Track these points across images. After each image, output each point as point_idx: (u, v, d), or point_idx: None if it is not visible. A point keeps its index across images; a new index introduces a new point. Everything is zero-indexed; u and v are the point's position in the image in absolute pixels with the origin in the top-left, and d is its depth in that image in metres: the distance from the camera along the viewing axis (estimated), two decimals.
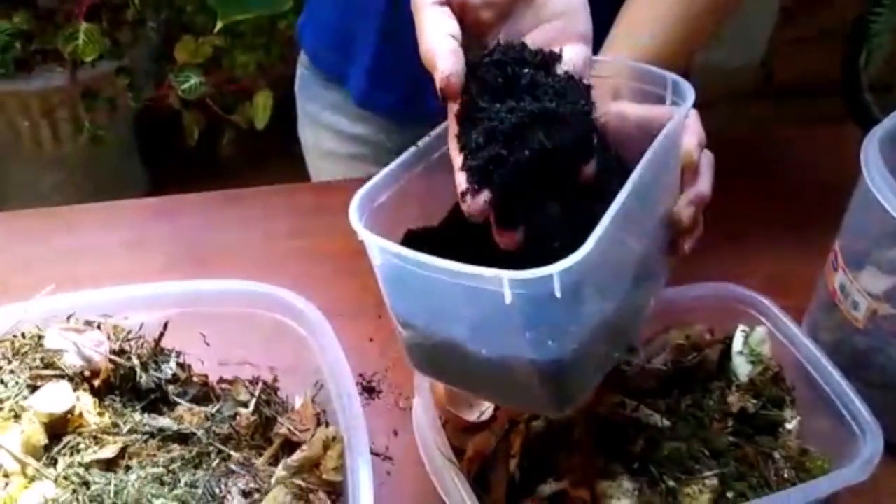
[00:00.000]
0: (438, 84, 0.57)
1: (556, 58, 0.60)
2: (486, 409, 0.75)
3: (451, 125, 0.59)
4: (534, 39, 0.61)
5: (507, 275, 0.52)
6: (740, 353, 0.81)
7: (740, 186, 1.13)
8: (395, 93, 1.06)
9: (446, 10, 0.60)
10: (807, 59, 2.97)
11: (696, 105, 0.65)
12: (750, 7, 2.90)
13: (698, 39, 0.84)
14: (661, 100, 0.67)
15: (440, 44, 0.57)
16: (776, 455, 0.75)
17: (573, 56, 0.61)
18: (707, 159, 0.67)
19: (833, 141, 0.89)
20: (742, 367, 0.80)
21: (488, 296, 0.53)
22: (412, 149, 0.63)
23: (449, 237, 0.63)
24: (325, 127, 1.16)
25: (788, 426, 0.78)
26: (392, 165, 0.62)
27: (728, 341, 0.82)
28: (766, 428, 0.78)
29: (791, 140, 1.28)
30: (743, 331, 0.82)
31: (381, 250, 0.57)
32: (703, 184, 0.67)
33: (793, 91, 2.92)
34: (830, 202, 0.86)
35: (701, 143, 0.66)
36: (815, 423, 0.77)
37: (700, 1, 0.81)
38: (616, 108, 0.68)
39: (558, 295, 0.52)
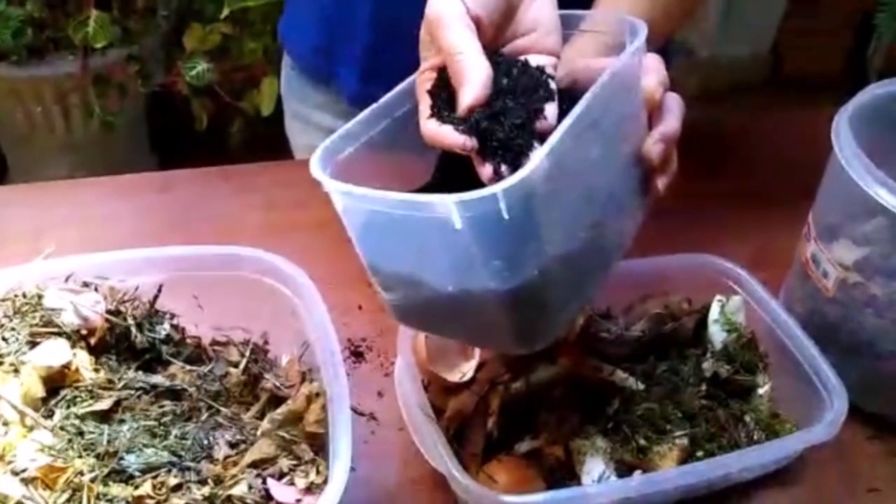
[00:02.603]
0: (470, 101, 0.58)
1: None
2: (467, 371, 0.77)
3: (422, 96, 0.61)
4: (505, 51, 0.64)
5: (452, 198, 0.52)
6: (716, 321, 0.83)
7: (723, 162, 1.16)
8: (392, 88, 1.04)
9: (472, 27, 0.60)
10: (815, 49, 2.98)
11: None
12: None
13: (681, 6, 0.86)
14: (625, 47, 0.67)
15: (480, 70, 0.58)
16: (747, 418, 0.78)
17: (538, 62, 0.63)
18: (674, 100, 0.68)
19: (823, 120, 0.91)
20: (717, 335, 0.83)
21: (443, 225, 0.54)
22: (373, 106, 0.65)
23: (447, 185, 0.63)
24: (315, 126, 1.15)
25: (760, 391, 0.80)
26: (353, 121, 0.63)
27: (705, 311, 0.84)
28: (739, 392, 0.80)
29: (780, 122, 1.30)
30: (719, 300, 0.84)
31: (342, 194, 0.58)
32: (670, 121, 0.67)
33: (801, 81, 2.93)
34: (815, 179, 0.87)
35: (663, 83, 0.67)
36: (786, 387, 0.80)
37: None
38: (583, 62, 0.69)
39: (506, 216, 0.53)
